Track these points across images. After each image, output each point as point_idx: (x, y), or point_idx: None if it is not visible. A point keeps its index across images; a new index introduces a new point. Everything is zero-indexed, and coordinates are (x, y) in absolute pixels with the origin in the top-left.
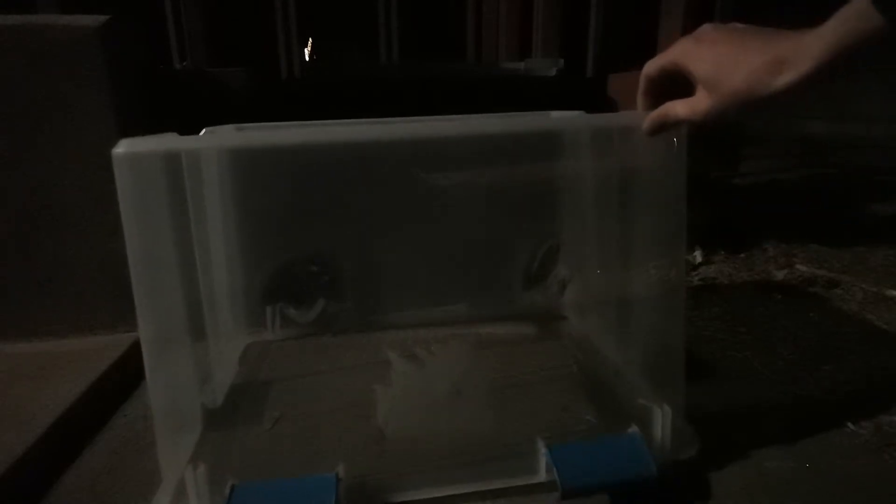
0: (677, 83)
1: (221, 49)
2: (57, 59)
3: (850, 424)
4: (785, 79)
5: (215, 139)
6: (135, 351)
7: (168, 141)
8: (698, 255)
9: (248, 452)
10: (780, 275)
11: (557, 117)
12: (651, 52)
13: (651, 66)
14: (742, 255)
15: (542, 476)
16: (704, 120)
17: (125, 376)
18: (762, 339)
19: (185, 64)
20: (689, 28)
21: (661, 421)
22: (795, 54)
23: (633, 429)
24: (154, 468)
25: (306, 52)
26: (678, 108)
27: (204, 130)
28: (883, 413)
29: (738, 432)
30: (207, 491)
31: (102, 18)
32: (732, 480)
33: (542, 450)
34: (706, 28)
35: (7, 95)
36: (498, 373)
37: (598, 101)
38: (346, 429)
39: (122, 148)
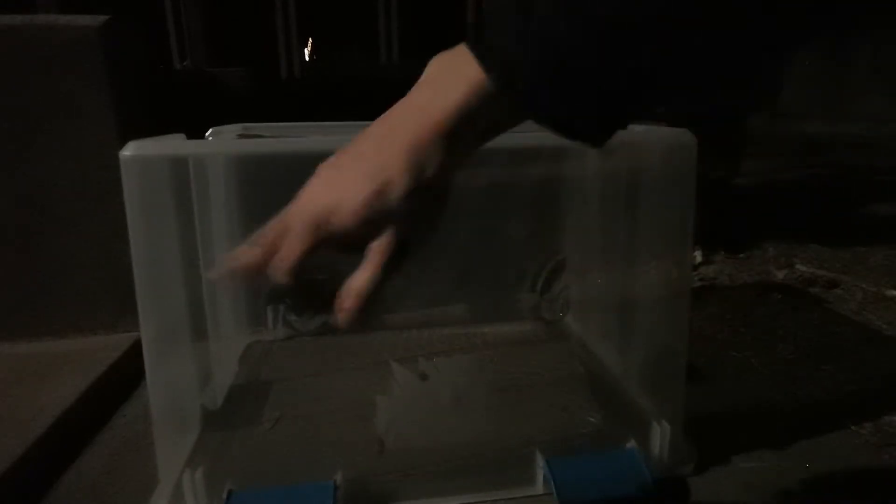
0: None
1: (221, 49)
2: (57, 59)
3: (850, 424)
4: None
5: (224, 145)
6: (135, 351)
7: (176, 145)
8: (698, 255)
9: (247, 453)
10: (780, 275)
11: None
12: None
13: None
14: (742, 255)
15: (538, 489)
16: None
17: (125, 376)
18: (762, 339)
19: (185, 64)
20: None
21: (660, 437)
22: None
23: (631, 444)
24: (154, 468)
25: (306, 52)
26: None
27: (210, 130)
28: (883, 413)
29: (738, 432)
30: (205, 494)
31: (102, 18)
32: (732, 480)
33: (541, 463)
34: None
35: (7, 95)
36: (500, 374)
37: None
38: (347, 430)
39: (130, 151)
